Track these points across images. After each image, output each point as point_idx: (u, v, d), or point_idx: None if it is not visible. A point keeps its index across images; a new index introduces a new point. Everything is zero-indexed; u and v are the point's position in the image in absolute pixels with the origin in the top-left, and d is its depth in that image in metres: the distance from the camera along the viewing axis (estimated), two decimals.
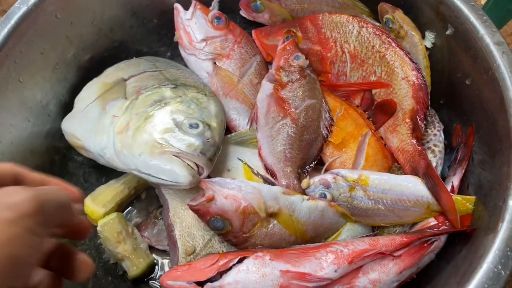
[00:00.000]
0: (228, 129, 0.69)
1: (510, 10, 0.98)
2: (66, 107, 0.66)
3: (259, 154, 0.65)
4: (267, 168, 0.64)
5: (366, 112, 0.68)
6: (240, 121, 0.70)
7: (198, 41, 0.71)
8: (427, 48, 0.65)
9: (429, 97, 0.62)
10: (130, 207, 0.70)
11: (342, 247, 0.52)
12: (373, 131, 0.66)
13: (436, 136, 0.63)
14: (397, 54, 0.64)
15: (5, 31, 0.56)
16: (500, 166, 0.51)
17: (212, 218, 0.54)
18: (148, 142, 0.55)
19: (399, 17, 0.64)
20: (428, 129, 0.64)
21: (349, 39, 0.68)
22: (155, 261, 0.66)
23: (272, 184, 0.62)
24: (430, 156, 0.62)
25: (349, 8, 0.71)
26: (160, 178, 0.54)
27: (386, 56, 0.65)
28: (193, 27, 0.70)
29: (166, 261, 0.67)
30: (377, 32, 0.66)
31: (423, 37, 0.65)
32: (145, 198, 0.70)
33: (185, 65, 0.73)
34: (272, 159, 0.63)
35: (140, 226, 0.66)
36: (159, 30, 0.75)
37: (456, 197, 0.55)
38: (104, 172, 0.70)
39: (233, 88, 0.71)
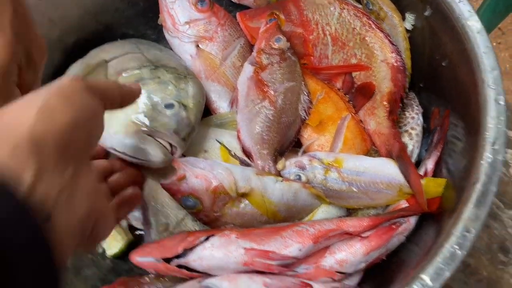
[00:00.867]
0: (210, 111, 0.70)
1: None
2: None
3: (238, 136, 0.65)
4: (244, 150, 0.64)
5: (347, 95, 0.68)
6: (221, 104, 0.70)
7: (181, 24, 0.71)
8: (407, 30, 0.64)
9: (407, 80, 0.61)
10: None
11: (308, 227, 0.52)
12: (352, 114, 0.66)
13: (414, 119, 0.62)
14: (377, 36, 0.64)
15: None
16: (470, 149, 0.50)
17: (184, 197, 0.55)
18: (124, 122, 0.56)
19: None
20: (406, 112, 0.63)
21: (330, 21, 0.67)
22: (134, 239, 0.67)
23: (248, 165, 0.62)
24: (406, 139, 0.62)
25: None
26: (134, 157, 0.55)
27: (366, 38, 0.64)
28: (177, 10, 0.71)
29: None
30: (358, 14, 0.65)
31: (404, 19, 0.64)
32: None
33: (170, 48, 0.74)
34: (249, 141, 0.64)
35: None
36: (145, 13, 0.76)
37: (428, 180, 0.55)
38: None
39: (215, 71, 0.71)
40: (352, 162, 0.60)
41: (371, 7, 0.65)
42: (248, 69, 0.67)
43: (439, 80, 0.61)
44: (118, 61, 0.66)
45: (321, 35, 0.69)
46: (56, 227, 0.27)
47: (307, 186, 0.60)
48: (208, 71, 0.71)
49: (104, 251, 0.66)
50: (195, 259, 0.50)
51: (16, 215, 0.24)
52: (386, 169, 0.58)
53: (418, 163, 0.61)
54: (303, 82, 0.66)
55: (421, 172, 0.57)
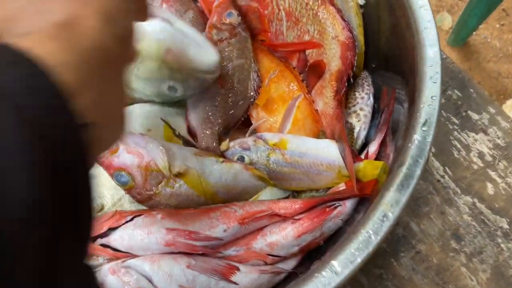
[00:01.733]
0: None
1: None
2: None
3: (186, 116, 0.63)
4: (189, 131, 0.62)
5: (302, 74, 0.65)
6: None
7: None
8: (361, 6, 0.61)
9: (356, 57, 0.58)
10: None
11: (238, 208, 0.51)
12: (305, 94, 0.63)
13: (363, 99, 0.60)
14: (329, 12, 0.61)
15: None
16: (404, 131, 0.48)
17: (115, 172, 0.53)
18: None
19: None
20: (356, 92, 0.60)
21: None
22: None
23: (192, 146, 0.61)
24: (354, 120, 0.59)
25: None
26: None
27: (319, 14, 0.62)
28: None
29: None
30: None
31: None
32: None
33: None
34: (195, 121, 0.62)
35: None
36: None
37: (366, 162, 0.52)
38: None
39: None
40: (296, 143, 0.58)
41: None
42: None
43: (391, 58, 0.58)
44: None
45: (275, 9, 0.66)
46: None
47: (249, 167, 0.58)
48: None
49: None
50: (116, 238, 0.49)
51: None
52: (327, 151, 0.56)
53: (365, 146, 0.58)
54: (253, 60, 0.64)
55: (363, 154, 0.55)
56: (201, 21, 0.71)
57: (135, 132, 0.57)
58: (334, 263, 0.39)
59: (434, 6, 1.88)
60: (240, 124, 0.64)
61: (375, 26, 0.60)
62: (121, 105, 0.33)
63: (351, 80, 0.59)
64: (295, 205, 0.51)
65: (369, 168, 0.52)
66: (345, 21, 0.60)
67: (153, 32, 0.57)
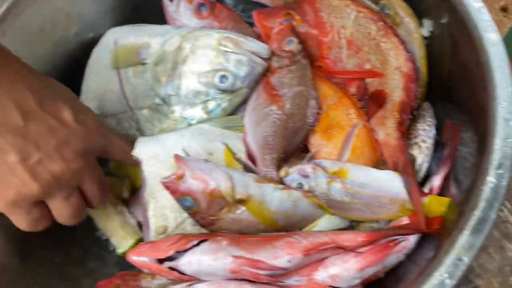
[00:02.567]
0: None
1: None
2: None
3: (244, 140, 0.64)
4: (249, 155, 0.63)
5: (361, 102, 0.65)
6: None
7: None
8: (425, 37, 0.61)
9: (419, 89, 0.58)
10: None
11: (302, 238, 0.51)
12: (364, 122, 0.64)
13: (425, 131, 0.59)
14: (392, 42, 0.61)
15: (2, 9, 0.60)
16: (477, 170, 0.47)
17: (181, 197, 0.55)
18: None
19: (394, 2, 0.61)
20: (417, 123, 0.60)
21: (346, 24, 0.65)
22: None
23: (251, 170, 0.62)
24: (416, 152, 0.59)
25: None
26: None
27: (381, 44, 0.62)
28: (181, 19, 0.71)
29: None
30: (374, 18, 0.62)
31: (421, 25, 0.61)
32: None
33: None
34: (254, 145, 0.63)
35: (128, 202, 0.69)
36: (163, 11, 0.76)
37: (431, 198, 0.52)
38: None
39: None
40: (357, 173, 0.58)
41: (386, 11, 0.62)
42: None
43: (455, 92, 0.58)
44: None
45: (336, 37, 0.67)
46: None
47: (308, 195, 0.58)
48: None
49: (114, 249, 0.67)
50: (184, 263, 0.50)
51: None
52: (390, 183, 0.56)
53: (427, 178, 0.58)
54: (312, 87, 0.65)
55: (427, 189, 0.55)
56: None
57: (200, 158, 0.58)
58: None
59: None
60: (298, 151, 0.65)
61: (438, 58, 0.60)
62: None
63: (415, 112, 0.59)
64: (358, 238, 0.51)
65: (434, 204, 0.51)
66: (409, 52, 0.60)
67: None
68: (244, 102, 0.67)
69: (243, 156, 0.64)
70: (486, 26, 0.50)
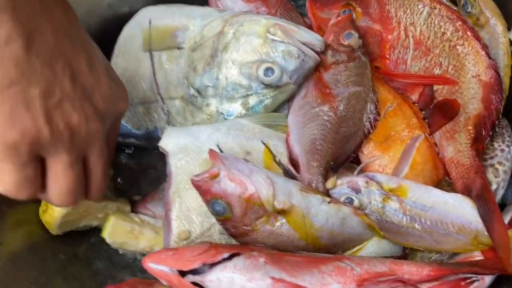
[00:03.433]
0: None
1: None
2: None
3: (286, 141, 0.56)
4: (291, 158, 0.55)
5: (423, 112, 0.57)
6: None
7: None
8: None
9: (502, 103, 0.50)
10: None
11: (355, 265, 0.43)
12: (426, 135, 0.55)
13: (503, 152, 0.51)
14: (471, 46, 0.53)
15: None
16: None
17: (213, 199, 0.47)
18: None
19: (481, 0, 0.52)
20: (494, 143, 0.52)
21: (416, 21, 0.57)
22: None
23: (293, 177, 0.54)
24: (490, 175, 0.51)
25: None
26: None
27: (457, 47, 0.54)
28: (224, 1, 0.64)
29: None
30: (452, 17, 0.54)
31: (509, 29, 0.52)
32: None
33: None
34: (299, 149, 0.55)
35: (146, 198, 0.61)
36: None
37: None
38: None
39: None
40: (419, 193, 0.50)
41: (469, 10, 0.54)
42: None
43: None
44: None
45: (402, 36, 0.59)
46: None
47: (359, 213, 0.50)
48: None
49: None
50: (212, 280, 0.42)
51: None
52: (460, 209, 0.48)
53: (501, 207, 0.49)
54: (372, 89, 0.57)
55: (506, 220, 0.46)
56: None
57: (238, 157, 0.50)
58: None
59: None
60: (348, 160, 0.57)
61: None
62: None
63: (496, 129, 0.50)
64: (423, 270, 0.43)
65: None
66: (492, 59, 0.51)
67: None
68: (290, 100, 0.59)
69: (284, 159, 0.56)
70: None
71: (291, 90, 0.58)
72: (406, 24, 0.58)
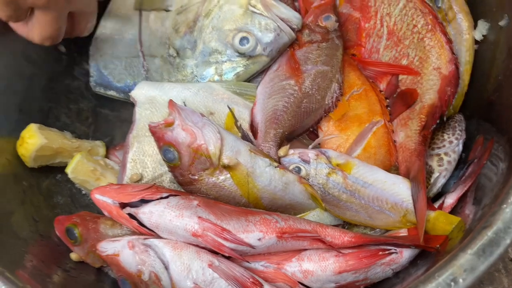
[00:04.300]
0: None
1: None
2: None
3: (251, 110, 0.59)
4: (252, 125, 0.58)
5: (387, 100, 0.59)
6: None
7: None
8: (476, 41, 0.54)
9: (455, 96, 0.51)
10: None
11: (280, 219, 0.45)
12: (386, 121, 0.57)
13: (451, 144, 0.52)
14: (437, 40, 0.54)
15: None
16: (498, 192, 0.40)
17: (165, 146, 0.50)
18: None
19: None
20: (445, 134, 0.53)
21: (392, 11, 0.59)
22: None
23: (249, 141, 0.56)
24: (435, 163, 0.52)
25: None
26: None
27: (425, 40, 0.55)
28: None
29: None
30: (424, 10, 0.56)
31: (475, 26, 0.53)
32: None
33: None
34: (260, 117, 0.57)
35: (116, 146, 0.64)
36: None
37: (439, 214, 0.45)
38: None
39: None
40: (362, 170, 0.52)
41: (439, 4, 0.55)
42: None
43: (496, 108, 0.50)
44: None
45: (378, 25, 0.60)
46: None
47: (303, 181, 0.52)
48: None
49: (86, 192, 0.62)
50: (145, 212, 0.45)
51: None
52: (397, 188, 0.49)
53: (439, 196, 0.51)
54: (339, 70, 0.58)
55: (437, 204, 0.47)
56: None
57: (196, 111, 0.53)
58: None
59: None
60: (306, 135, 0.59)
61: (486, 68, 0.53)
62: None
63: (444, 118, 0.51)
64: (345, 236, 0.44)
65: (441, 220, 0.44)
66: (454, 54, 0.53)
67: None
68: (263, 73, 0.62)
69: (246, 125, 0.58)
70: None
71: (264, 63, 0.60)
72: (382, 13, 0.59)
